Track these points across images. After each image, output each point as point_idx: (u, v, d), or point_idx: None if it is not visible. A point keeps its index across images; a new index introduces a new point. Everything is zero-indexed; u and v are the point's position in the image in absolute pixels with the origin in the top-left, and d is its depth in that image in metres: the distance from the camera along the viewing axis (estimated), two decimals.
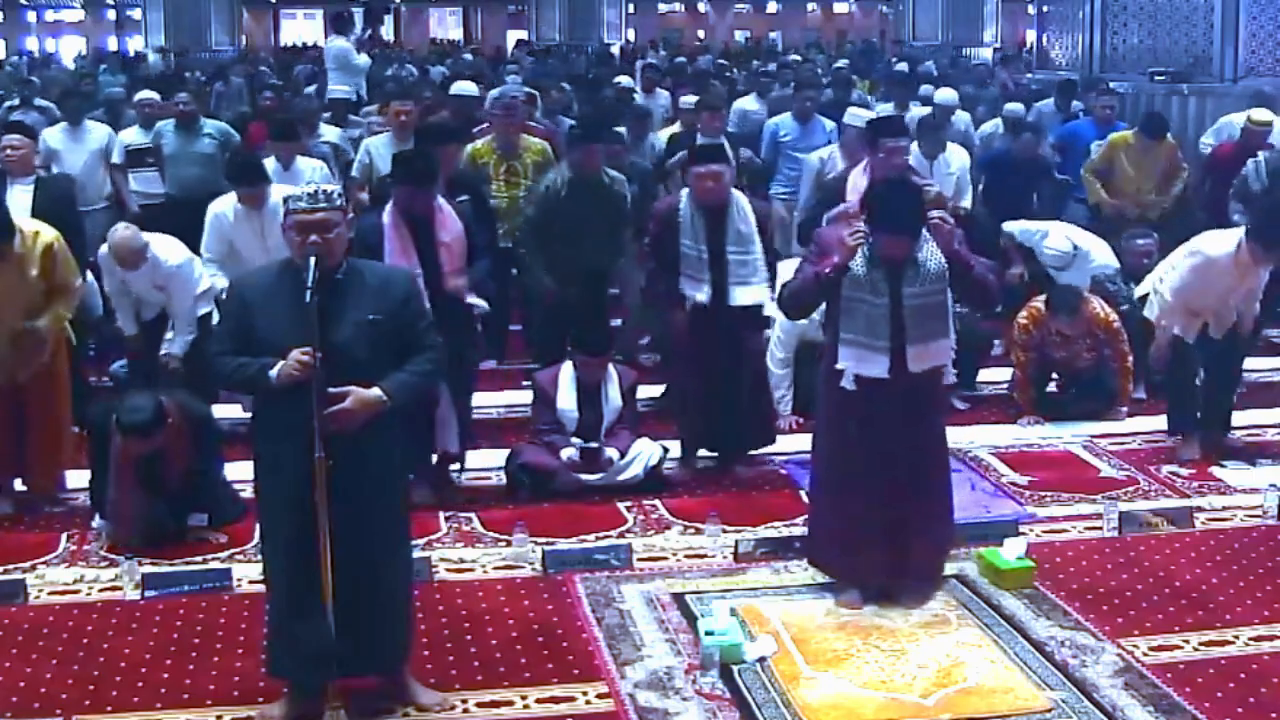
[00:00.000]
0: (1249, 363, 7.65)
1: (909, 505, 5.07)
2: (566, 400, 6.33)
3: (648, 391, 7.21)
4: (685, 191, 6.42)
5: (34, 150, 7.23)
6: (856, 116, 8.68)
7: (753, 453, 6.64)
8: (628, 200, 7.47)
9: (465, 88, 10.63)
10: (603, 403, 6.36)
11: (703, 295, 6.33)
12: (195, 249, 7.11)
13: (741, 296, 6.33)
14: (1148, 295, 6.83)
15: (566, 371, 6.39)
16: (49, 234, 5.99)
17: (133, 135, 9.79)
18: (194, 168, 9.37)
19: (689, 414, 6.61)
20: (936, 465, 5.21)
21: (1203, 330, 6.67)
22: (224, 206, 7.07)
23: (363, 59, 13.95)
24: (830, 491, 5.20)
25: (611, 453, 6.24)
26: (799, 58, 20.36)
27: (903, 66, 17.21)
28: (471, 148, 8.29)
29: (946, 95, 11.49)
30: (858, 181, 6.74)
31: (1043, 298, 7.37)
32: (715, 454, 6.65)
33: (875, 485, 5.02)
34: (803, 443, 6.84)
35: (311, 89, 14.39)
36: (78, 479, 6.29)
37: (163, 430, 5.57)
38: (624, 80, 13.78)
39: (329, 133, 9.87)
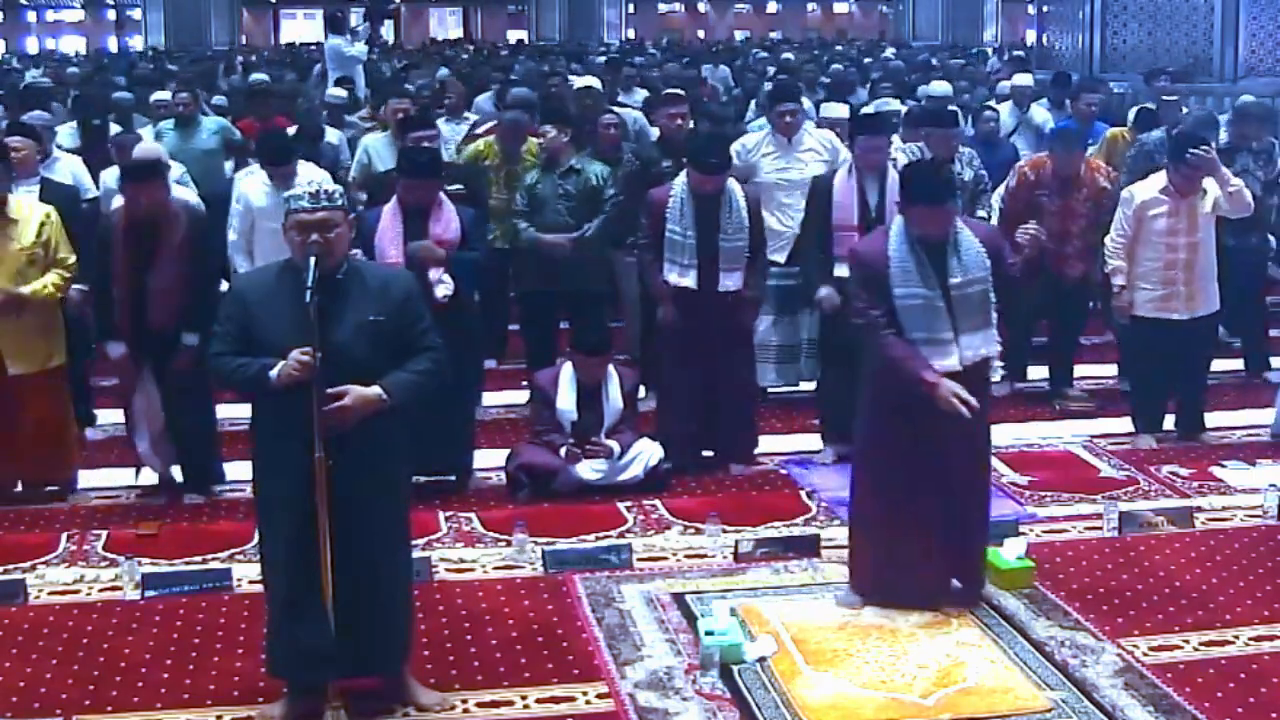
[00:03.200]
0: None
1: (960, 506, 5.01)
2: (566, 401, 6.32)
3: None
4: (680, 178, 6.41)
5: (36, 151, 7.23)
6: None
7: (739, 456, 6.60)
8: (603, 183, 7.33)
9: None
10: (603, 403, 6.33)
11: (688, 280, 6.32)
12: None
13: (729, 283, 6.33)
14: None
15: (566, 372, 6.37)
16: (44, 207, 6.10)
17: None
18: (192, 166, 9.35)
19: (673, 414, 6.56)
20: (984, 464, 5.18)
21: (1173, 325, 6.71)
22: (252, 182, 7.14)
23: (357, 48, 13.89)
24: (881, 501, 5.04)
25: (611, 443, 6.24)
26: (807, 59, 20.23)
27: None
28: (472, 146, 8.29)
29: (940, 87, 11.43)
30: (843, 180, 6.52)
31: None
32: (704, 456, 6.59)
33: (937, 488, 4.93)
34: (801, 443, 6.90)
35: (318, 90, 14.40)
36: (85, 479, 6.35)
37: (163, 179, 6.10)
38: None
39: (329, 133, 9.87)
